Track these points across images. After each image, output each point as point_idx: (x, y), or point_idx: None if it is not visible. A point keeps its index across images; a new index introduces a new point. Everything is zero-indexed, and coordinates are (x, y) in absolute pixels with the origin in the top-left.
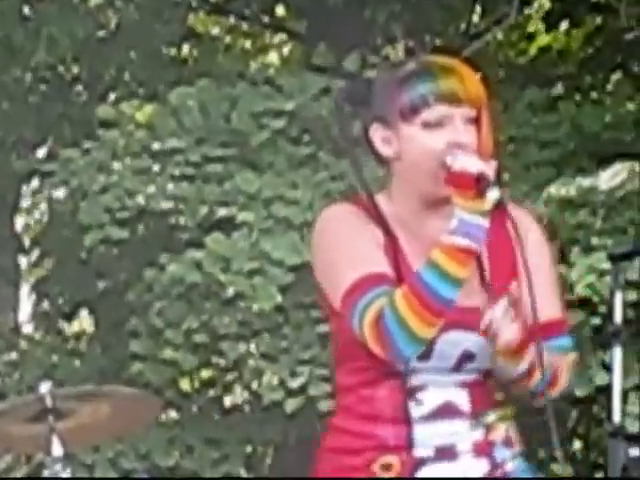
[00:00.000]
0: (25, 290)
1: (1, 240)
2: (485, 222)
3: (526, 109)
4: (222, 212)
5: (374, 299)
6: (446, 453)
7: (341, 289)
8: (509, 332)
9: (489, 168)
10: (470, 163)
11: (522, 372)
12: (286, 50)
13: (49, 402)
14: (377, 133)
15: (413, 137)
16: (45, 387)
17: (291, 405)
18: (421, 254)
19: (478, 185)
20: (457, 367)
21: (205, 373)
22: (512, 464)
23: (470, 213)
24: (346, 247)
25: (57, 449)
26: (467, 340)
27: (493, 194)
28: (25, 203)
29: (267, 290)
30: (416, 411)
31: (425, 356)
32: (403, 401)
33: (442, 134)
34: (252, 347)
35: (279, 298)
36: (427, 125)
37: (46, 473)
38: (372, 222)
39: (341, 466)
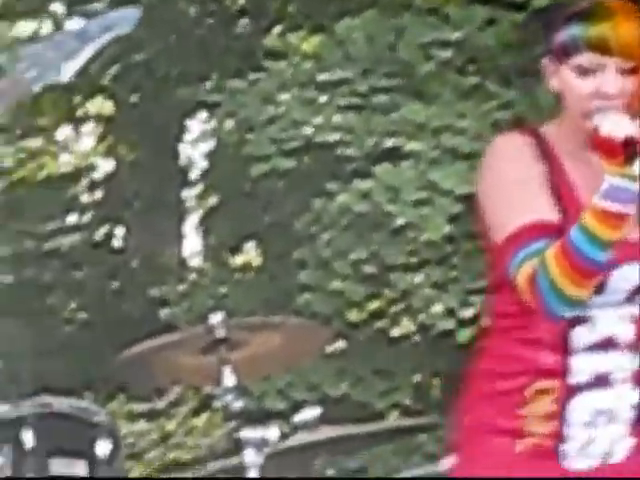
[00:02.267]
0: (191, 223)
1: (166, 174)
2: (636, 186)
3: None
4: (389, 142)
5: (532, 253)
6: (601, 381)
7: (504, 231)
8: None
9: (638, 130)
10: (617, 127)
11: None
12: None
13: (221, 333)
14: (548, 65)
15: (566, 79)
16: (216, 318)
17: (463, 335)
18: (587, 187)
19: (626, 150)
20: (627, 300)
21: (373, 304)
22: None
23: (620, 177)
24: (513, 187)
25: (228, 380)
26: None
27: None
28: (190, 136)
29: (436, 220)
30: (577, 341)
31: (597, 291)
32: (565, 330)
33: (591, 81)
34: (421, 277)
35: (448, 228)
36: (578, 69)
37: (217, 404)
38: (541, 154)
39: (493, 390)
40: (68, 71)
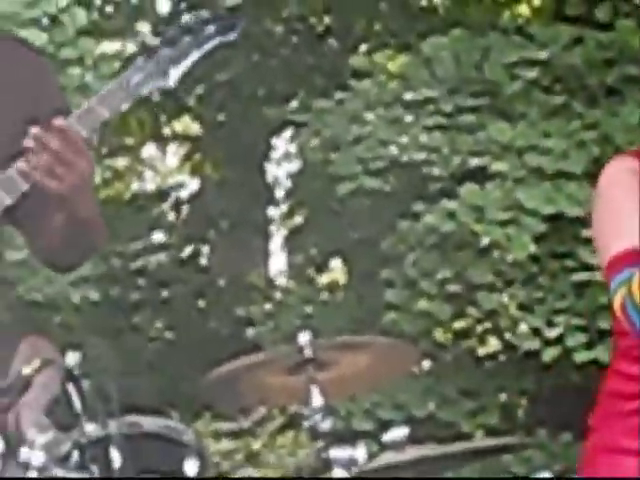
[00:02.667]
0: (276, 242)
1: (252, 192)
2: None
3: None
4: (475, 162)
5: (626, 280)
6: None
7: (606, 256)
8: None
9: None
10: None
11: None
12: (537, 1)
13: (309, 352)
14: None
15: None
16: (304, 337)
17: (548, 355)
18: None
19: None
20: None
21: (459, 323)
22: None
23: None
24: (617, 213)
25: (317, 400)
26: None
27: None
28: (276, 155)
29: (521, 239)
30: None
31: None
32: None
33: None
34: (506, 297)
35: (533, 247)
36: None
37: (305, 424)
38: None
39: (614, 410)
40: (174, 77)
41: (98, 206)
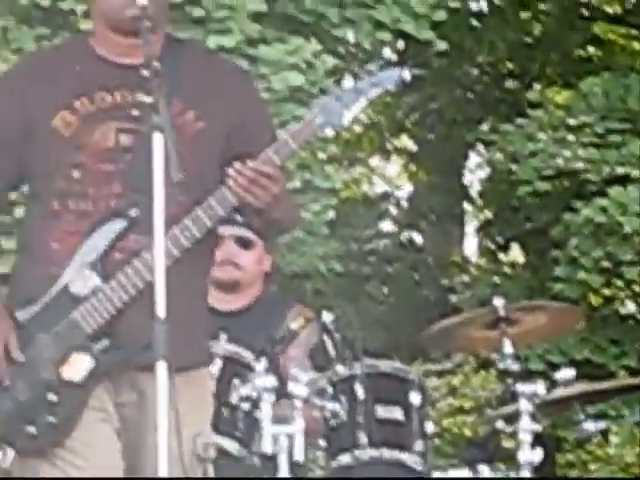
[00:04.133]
0: (470, 229)
1: (452, 192)
2: None
3: None
4: (620, 170)
5: None
6: None
7: None
8: None
9: None
10: None
11: None
12: None
13: (502, 312)
14: None
15: None
16: (499, 301)
17: None
18: None
19: None
20: None
21: (608, 291)
22: None
23: None
24: None
25: (507, 348)
26: None
27: None
28: (471, 165)
29: None
30: None
31: None
32: None
33: None
34: None
35: None
36: None
37: (499, 366)
38: None
39: None
40: (347, 118)
41: (290, 203)
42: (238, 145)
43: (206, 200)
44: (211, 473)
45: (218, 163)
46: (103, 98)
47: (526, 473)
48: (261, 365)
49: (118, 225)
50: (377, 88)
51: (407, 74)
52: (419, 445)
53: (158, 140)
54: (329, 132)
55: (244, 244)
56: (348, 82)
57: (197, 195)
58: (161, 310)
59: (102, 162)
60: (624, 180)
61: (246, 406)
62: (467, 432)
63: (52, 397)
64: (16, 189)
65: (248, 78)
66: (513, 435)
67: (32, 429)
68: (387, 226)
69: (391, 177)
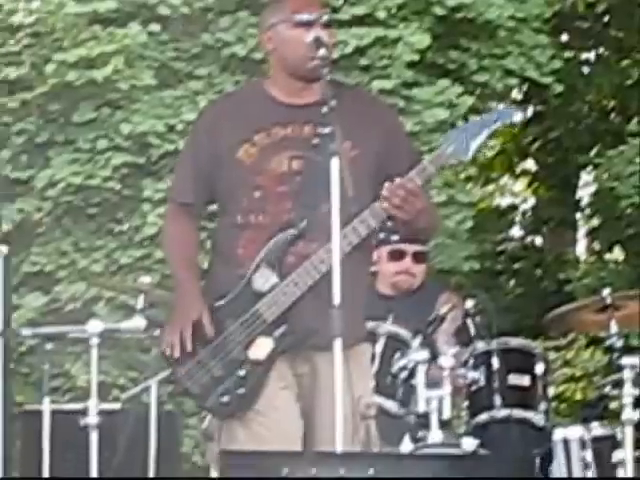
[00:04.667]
0: (581, 233)
1: (567, 204)
2: None
3: None
4: None
5: None
6: None
7: None
8: None
9: None
10: None
11: None
12: None
13: (608, 300)
14: None
15: None
16: (605, 291)
17: None
18: None
19: None
20: None
21: None
22: None
23: None
24: None
25: (613, 328)
26: None
27: None
28: (582, 182)
29: None
30: None
31: None
32: None
33: None
34: None
35: None
36: None
37: (606, 343)
38: None
39: None
40: (472, 149)
41: (432, 215)
42: (386, 168)
43: (362, 214)
44: (373, 429)
45: (370, 183)
46: (277, 132)
47: (629, 429)
48: (416, 342)
49: (290, 234)
50: (496, 123)
51: (519, 114)
52: (543, 406)
53: (335, 164)
54: (457, 160)
55: (418, 259)
56: (473, 118)
57: (355, 210)
58: (337, 299)
59: (278, 184)
60: None
61: (404, 374)
62: (578, 396)
63: (241, 372)
64: (211, 205)
65: (392, 112)
66: (618, 398)
67: (226, 398)
68: (515, 232)
69: (518, 192)
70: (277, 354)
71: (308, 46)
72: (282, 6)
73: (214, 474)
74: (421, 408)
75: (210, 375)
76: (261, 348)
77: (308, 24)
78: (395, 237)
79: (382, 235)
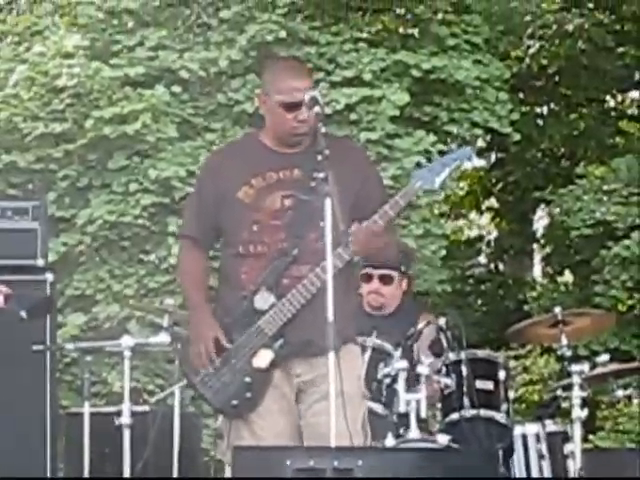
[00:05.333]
0: (537, 259)
1: (524, 235)
2: None
3: None
4: (638, 221)
5: None
6: None
7: None
8: None
9: None
10: None
11: None
12: None
13: (560, 316)
14: None
15: None
16: (557, 309)
17: None
18: None
19: None
20: None
21: (630, 301)
22: None
23: None
24: None
25: (563, 341)
26: None
27: None
28: (537, 217)
29: None
30: None
31: None
32: None
33: None
34: None
35: None
36: None
37: (558, 352)
38: None
39: None
40: (438, 183)
41: (391, 250)
42: (360, 202)
43: (337, 248)
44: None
45: (347, 216)
46: (271, 176)
47: (578, 426)
48: (398, 353)
49: (285, 261)
50: (456, 162)
51: (473, 152)
52: (505, 406)
53: (329, 203)
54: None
55: (385, 281)
56: (436, 158)
57: (345, 240)
58: (330, 315)
59: (272, 219)
60: None
61: (388, 380)
62: (535, 398)
63: (247, 379)
64: (218, 239)
65: (369, 161)
66: (568, 399)
67: (235, 401)
68: (481, 259)
69: (483, 226)
70: (276, 363)
71: (290, 124)
72: (274, 74)
73: (227, 468)
74: (402, 409)
75: (221, 382)
76: (263, 358)
77: (293, 106)
78: (365, 262)
79: (356, 259)
